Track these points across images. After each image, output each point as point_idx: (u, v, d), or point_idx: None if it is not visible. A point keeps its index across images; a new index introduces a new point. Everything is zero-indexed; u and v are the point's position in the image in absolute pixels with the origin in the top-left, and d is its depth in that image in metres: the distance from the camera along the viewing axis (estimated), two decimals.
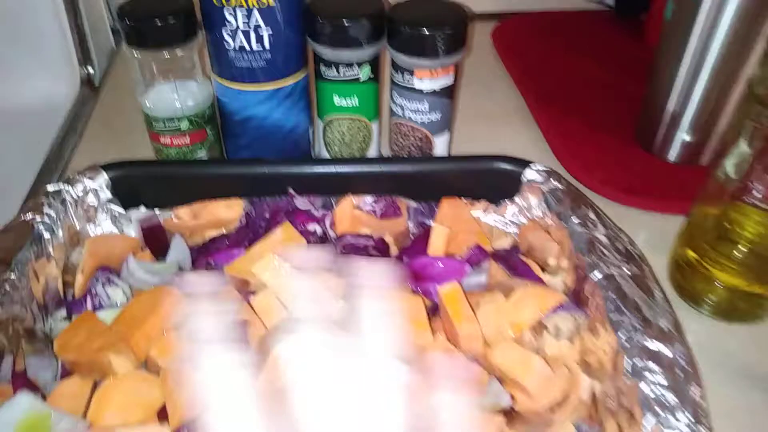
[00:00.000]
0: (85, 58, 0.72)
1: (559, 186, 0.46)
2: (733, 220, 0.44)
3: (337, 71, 0.51)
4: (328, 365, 0.24)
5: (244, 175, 0.50)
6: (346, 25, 0.49)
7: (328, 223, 0.48)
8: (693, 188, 0.47)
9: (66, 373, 0.39)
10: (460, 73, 0.53)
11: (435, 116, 0.53)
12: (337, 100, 0.53)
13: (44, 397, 0.37)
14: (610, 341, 0.36)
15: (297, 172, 0.49)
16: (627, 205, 0.56)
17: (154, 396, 0.36)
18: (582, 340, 0.39)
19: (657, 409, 0.31)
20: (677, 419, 0.31)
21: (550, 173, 0.48)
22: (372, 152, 0.57)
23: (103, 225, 0.48)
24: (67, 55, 0.71)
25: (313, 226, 0.48)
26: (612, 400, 0.34)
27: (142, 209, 0.49)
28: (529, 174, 0.48)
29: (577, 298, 0.41)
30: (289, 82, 0.51)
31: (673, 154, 0.59)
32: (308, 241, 0.46)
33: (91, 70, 0.73)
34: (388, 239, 0.48)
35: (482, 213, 0.49)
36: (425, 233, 0.47)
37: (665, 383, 0.32)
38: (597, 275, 0.39)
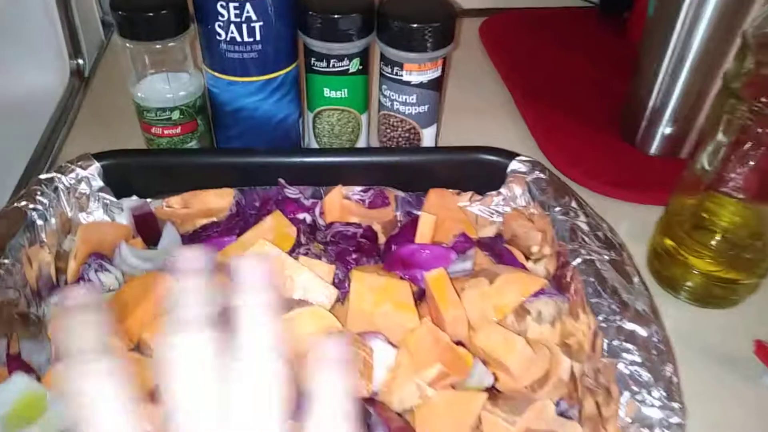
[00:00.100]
0: (75, 50, 0.73)
1: (543, 176, 0.48)
2: (709, 210, 0.46)
3: (328, 64, 0.52)
4: (207, 366, 0.23)
5: (235, 164, 0.51)
6: (337, 18, 0.50)
7: (317, 211, 0.49)
8: (673, 180, 0.49)
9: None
10: (447, 67, 0.54)
11: (423, 108, 0.54)
12: (327, 92, 0.54)
13: (39, 379, 0.37)
14: (590, 323, 0.37)
15: (287, 162, 0.51)
16: (610, 197, 0.57)
17: (147, 377, 0.37)
18: (563, 324, 0.40)
19: (633, 386, 0.33)
20: (652, 396, 0.32)
21: (534, 164, 0.49)
22: (361, 143, 0.58)
23: (95, 213, 0.49)
24: (57, 47, 0.71)
25: (302, 215, 0.49)
26: (590, 379, 0.35)
27: (134, 198, 0.50)
28: (514, 165, 0.49)
29: (558, 284, 0.42)
30: (279, 73, 0.52)
31: (654, 147, 0.61)
32: (298, 230, 0.47)
33: (81, 62, 0.74)
34: (377, 228, 0.49)
35: (468, 203, 0.50)
36: (413, 221, 0.48)
37: (640, 362, 0.33)
38: (578, 261, 0.41)
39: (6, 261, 0.40)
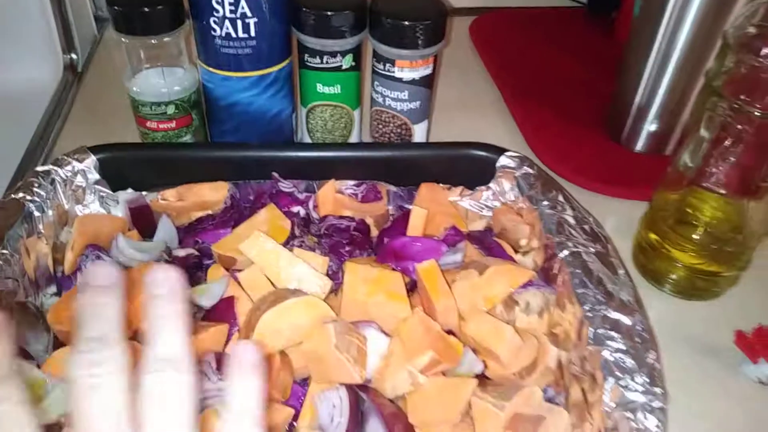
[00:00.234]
0: (68, 44, 0.73)
1: (531, 171, 0.49)
2: (691, 205, 0.48)
3: (321, 60, 0.53)
4: (117, 383, 0.22)
5: (230, 158, 0.52)
6: (330, 15, 0.51)
7: (311, 205, 0.50)
8: (658, 176, 0.50)
9: (59, 344, 0.40)
10: (438, 64, 0.55)
11: (414, 105, 0.55)
12: (320, 88, 0.55)
13: (38, 367, 0.38)
14: (576, 313, 0.38)
15: (281, 156, 0.51)
16: (596, 193, 0.59)
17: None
18: (550, 314, 0.41)
19: (617, 372, 0.34)
20: (635, 381, 0.33)
21: (523, 159, 0.50)
22: (353, 139, 0.59)
23: (91, 206, 0.50)
24: (51, 42, 0.71)
25: (296, 208, 0.50)
26: (577, 367, 0.37)
27: (130, 191, 0.51)
28: (504, 160, 0.50)
29: (546, 275, 0.43)
30: (273, 69, 0.53)
31: (639, 144, 0.63)
32: (292, 222, 0.48)
33: (74, 57, 0.74)
34: (369, 221, 0.50)
35: (459, 197, 0.51)
36: (404, 215, 0.49)
37: (624, 349, 0.35)
38: (565, 253, 0.42)
39: (5, 251, 0.41)
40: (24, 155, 0.61)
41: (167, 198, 0.51)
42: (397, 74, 0.53)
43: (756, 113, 0.40)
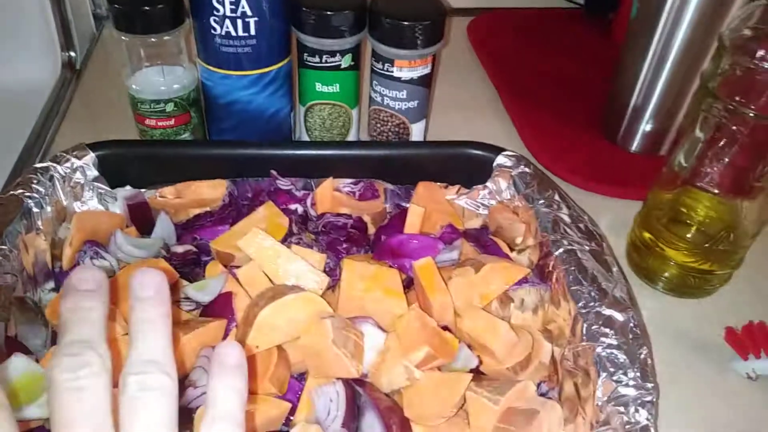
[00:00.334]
0: (67, 42, 0.73)
1: (528, 170, 0.50)
2: (685, 204, 0.48)
3: (320, 59, 0.54)
4: (101, 384, 0.22)
5: (228, 156, 0.52)
6: (330, 15, 0.51)
7: (309, 202, 0.51)
8: (652, 176, 0.51)
9: (56, 338, 0.40)
10: (436, 64, 0.56)
11: (412, 104, 0.56)
12: (319, 87, 0.55)
13: (37, 361, 0.38)
14: (570, 310, 0.39)
15: (279, 154, 0.52)
16: (592, 192, 0.59)
17: None
18: (544, 311, 0.42)
19: (610, 367, 0.34)
20: (627, 376, 0.34)
21: (520, 159, 0.51)
22: (351, 137, 0.60)
23: (89, 202, 0.50)
24: (49, 40, 0.72)
25: (294, 206, 0.50)
26: (570, 362, 0.37)
27: (128, 188, 0.51)
28: (500, 159, 0.51)
29: (541, 273, 0.44)
30: (272, 68, 0.53)
31: (635, 144, 0.63)
32: (290, 220, 0.48)
33: (72, 54, 0.74)
34: (366, 219, 0.50)
35: (455, 195, 0.52)
36: (401, 213, 0.49)
37: (617, 345, 0.35)
38: (560, 251, 0.42)
39: (4, 247, 0.41)
40: (21, 152, 0.62)
41: (165, 195, 0.51)
42: (396, 74, 0.54)
43: (751, 114, 0.41)
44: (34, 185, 0.46)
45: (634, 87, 0.61)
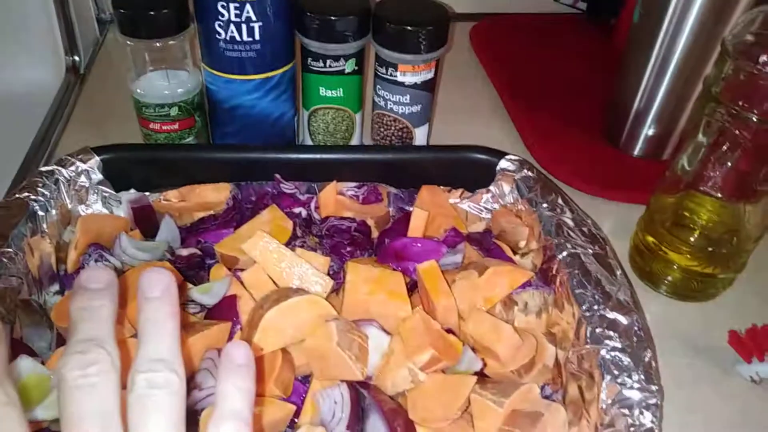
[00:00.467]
0: (71, 46, 0.74)
1: (531, 174, 0.50)
2: (688, 208, 0.48)
3: (324, 64, 0.54)
4: (110, 382, 0.22)
5: (233, 160, 0.52)
6: (334, 20, 0.51)
7: (312, 206, 0.51)
8: (655, 180, 0.51)
9: (62, 341, 0.41)
10: (440, 69, 0.56)
11: (416, 108, 0.56)
12: (323, 91, 0.56)
13: (42, 364, 0.38)
14: (574, 313, 0.39)
15: (283, 158, 0.52)
16: (594, 196, 0.59)
17: None
18: (548, 314, 0.42)
19: (614, 370, 0.34)
20: (631, 379, 0.34)
21: (523, 163, 0.51)
22: (355, 141, 0.60)
23: (94, 206, 0.50)
24: (53, 44, 0.72)
25: (298, 209, 0.50)
26: (574, 365, 0.37)
27: (133, 191, 0.51)
28: (503, 164, 0.51)
29: (544, 276, 0.44)
30: (276, 72, 0.54)
31: (637, 149, 0.63)
32: (294, 223, 0.48)
33: (76, 59, 0.75)
34: (370, 223, 0.50)
35: (459, 199, 0.52)
36: (405, 217, 0.49)
37: (621, 348, 0.35)
38: (563, 254, 0.42)
39: (9, 250, 0.41)
40: (26, 156, 0.62)
41: (170, 199, 0.51)
42: (399, 78, 0.54)
43: (754, 119, 0.41)
44: (39, 188, 0.46)
45: (636, 91, 0.61)
